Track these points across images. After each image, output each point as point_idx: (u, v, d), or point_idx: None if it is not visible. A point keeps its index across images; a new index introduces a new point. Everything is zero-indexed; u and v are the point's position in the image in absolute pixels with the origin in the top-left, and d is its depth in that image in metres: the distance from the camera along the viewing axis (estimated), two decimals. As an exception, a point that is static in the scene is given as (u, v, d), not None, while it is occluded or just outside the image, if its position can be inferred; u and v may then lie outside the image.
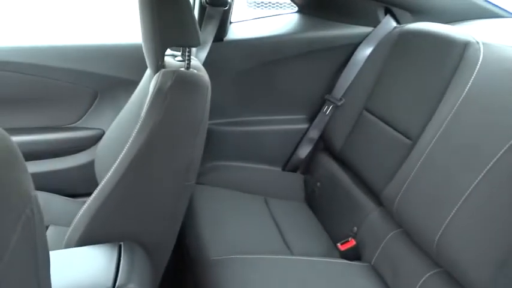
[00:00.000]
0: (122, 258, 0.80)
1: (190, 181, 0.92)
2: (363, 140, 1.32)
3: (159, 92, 0.87)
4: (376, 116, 1.29)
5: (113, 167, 0.89)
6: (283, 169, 1.56)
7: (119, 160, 0.89)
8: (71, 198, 1.36)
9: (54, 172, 1.42)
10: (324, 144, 1.53)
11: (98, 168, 1.22)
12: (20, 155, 0.44)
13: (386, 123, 1.23)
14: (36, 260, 0.45)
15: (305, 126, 1.54)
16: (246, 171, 1.51)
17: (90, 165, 1.36)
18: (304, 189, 1.52)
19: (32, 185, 0.46)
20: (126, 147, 0.88)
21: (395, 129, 1.19)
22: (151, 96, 0.89)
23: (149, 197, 0.89)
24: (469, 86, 1.00)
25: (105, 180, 0.89)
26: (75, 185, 1.43)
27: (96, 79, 1.40)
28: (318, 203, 1.42)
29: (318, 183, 1.44)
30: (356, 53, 1.45)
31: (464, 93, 1.00)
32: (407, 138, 1.13)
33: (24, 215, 0.42)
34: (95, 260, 0.80)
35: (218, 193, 1.38)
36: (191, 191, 0.94)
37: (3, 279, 0.36)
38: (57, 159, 1.43)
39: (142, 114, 0.89)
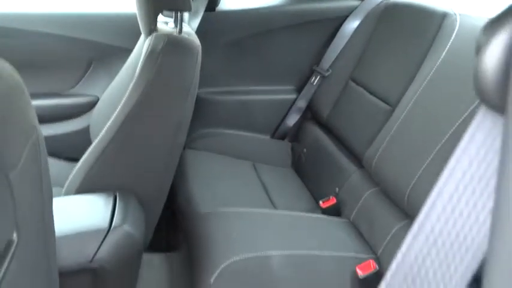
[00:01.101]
0: (117, 205, 0.87)
1: (180, 140, 0.99)
2: (348, 108, 1.39)
3: (151, 53, 0.93)
4: (361, 86, 1.36)
5: (108, 124, 0.95)
6: (272, 137, 1.63)
7: (113, 118, 0.95)
8: (67, 162, 1.42)
9: (49, 137, 1.47)
10: (311, 113, 1.60)
11: (93, 133, 1.28)
12: (25, 88, 0.50)
13: (370, 92, 1.30)
14: (41, 185, 0.52)
15: (293, 96, 1.60)
16: (235, 138, 1.58)
17: (86, 130, 1.41)
18: (291, 155, 1.59)
19: (36, 118, 0.52)
20: (119, 107, 0.94)
21: (378, 97, 1.26)
22: (143, 58, 0.94)
23: (142, 152, 0.96)
24: (443, 54, 1.07)
25: (101, 135, 0.96)
26: (71, 150, 1.49)
27: (90, 47, 1.44)
28: (304, 168, 1.50)
29: (305, 150, 1.51)
30: (344, 25, 1.51)
31: (439, 62, 1.07)
32: (388, 105, 1.20)
33: (31, 139, 0.49)
34: (92, 206, 0.87)
35: (208, 157, 1.45)
36: (181, 149, 1.01)
37: (18, 184, 0.42)
38: (52, 124, 1.48)
39: (135, 75, 0.95)
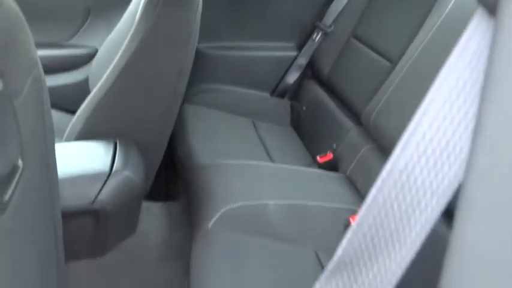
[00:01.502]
0: (117, 151, 0.88)
1: (180, 88, 0.99)
2: (349, 65, 1.38)
3: (150, 1, 0.91)
4: (363, 42, 1.34)
5: (107, 72, 0.95)
6: (271, 94, 1.62)
7: (112, 66, 0.94)
8: (66, 114, 1.42)
9: (48, 89, 1.47)
10: (311, 71, 1.59)
11: (92, 85, 1.27)
12: (25, 21, 0.50)
13: (372, 48, 1.29)
14: (43, 117, 0.53)
15: (294, 53, 1.59)
16: (235, 95, 1.58)
17: (85, 82, 1.41)
18: (291, 114, 1.60)
19: (36, 52, 0.52)
20: (118, 55, 0.94)
21: (379, 54, 1.25)
22: (143, 5, 0.93)
23: (141, 100, 0.96)
24: (447, 11, 1.06)
25: (100, 83, 0.95)
26: (70, 102, 1.49)
27: (88, -5, 1.41)
28: (303, 126, 1.51)
29: (304, 107, 1.51)
30: (348, -20, 1.47)
31: (442, 18, 1.06)
32: (389, 61, 1.20)
33: (33, 72, 0.49)
34: (92, 151, 0.89)
35: (208, 113, 1.45)
36: (181, 98, 1.01)
37: (21, 112, 0.43)
38: (50, 76, 1.47)
39: (135, 22, 0.93)
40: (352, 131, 1.25)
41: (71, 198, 0.79)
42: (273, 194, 0.99)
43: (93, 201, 0.81)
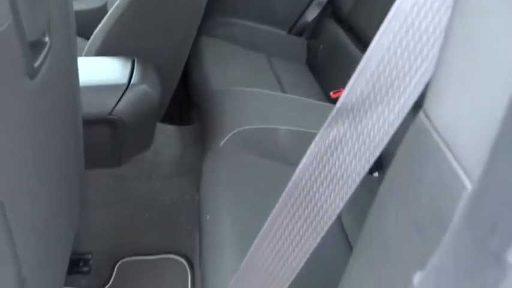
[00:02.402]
0: (135, 67, 0.91)
1: (199, 6, 0.99)
2: (371, 3, 1.35)
3: None
4: (387, -21, 1.30)
5: None
6: (289, 32, 1.61)
7: None
8: (83, 39, 1.43)
9: None
10: (331, 8, 1.55)
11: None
12: None
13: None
14: (66, 5, 0.54)
15: (315, -11, 1.55)
16: (252, 30, 1.56)
17: (103, 8, 1.41)
18: (307, 53, 1.59)
19: None
20: None
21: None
22: None
23: (160, 19, 0.97)
24: None
25: (117, 2, 0.96)
26: (89, 28, 1.50)
27: None
28: (318, 65, 1.50)
29: (321, 46, 1.50)
30: None
31: None
32: None
33: None
34: (111, 65, 0.91)
35: (224, 46, 1.45)
36: (200, 18, 1.02)
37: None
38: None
39: None
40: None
41: (90, 107, 0.83)
42: (284, 120, 1.01)
43: (111, 111, 0.84)
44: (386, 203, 0.32)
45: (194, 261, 0.99)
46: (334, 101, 1.26)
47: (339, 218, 0.88)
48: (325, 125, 0.34)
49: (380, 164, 0.45)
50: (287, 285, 0.43)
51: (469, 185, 0.20)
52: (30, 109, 0.43)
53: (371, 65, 0.29)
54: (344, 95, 0.32)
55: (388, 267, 0.28)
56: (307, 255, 0.42)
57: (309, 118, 1.07)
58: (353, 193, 0.38)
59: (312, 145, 0.38)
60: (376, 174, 0.90)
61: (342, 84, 1.30)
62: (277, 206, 0.41)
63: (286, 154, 0.95)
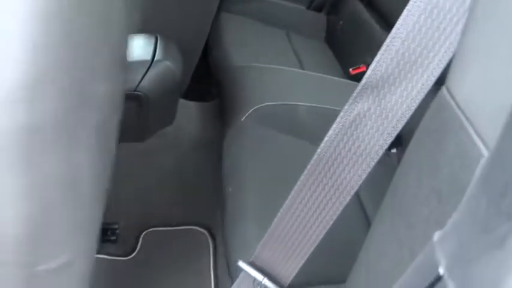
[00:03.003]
0: (158, 44, 0.92)
1: None
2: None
3: None
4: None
5: None
6: (308, 8, 1.59)
7: None
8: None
9: None
10: (352, -17, 1.53)
11: None
12: None
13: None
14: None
15: (335, -37, 1.53)
16: (270, 5, 1.55)
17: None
18: (326, 29, 1.58)
19: None
20: None
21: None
22: None
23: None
24: None
25: None
26: None
27: None
28: (338, 41, 1.49)
29: (341, 22, 1.49)
30: None
31: None
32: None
33: None
34: (135, 43, 0.93)
35: (243, 21, 1.45)
36: (217, 4, 1.02)
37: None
38: None
39: None
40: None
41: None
42: (304, 97, 1.02)
43: (136, 87, 0.87)
44: (408, 174, 0.34)
45: (216, 232, 1.03)
46: (353, 78, 1.26)
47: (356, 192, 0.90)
48: (350, 100, 0.36)
49: (398, 141, 0.46)
50: (308, 254, 0.46)
51: (486, 155, 0.22)
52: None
53: (396, 42, 0.30)
54: (369, 71, 0.33)
55: (409, 230, 0.30)
56: (328, 226, 0.44)
57: (328, 95, 1.08)
58: (372, 168, 0.40)
59: (338, 119, 0.40)
60: (394, 150, 0.92)
61: (362, 60, 1.30)
62: (302, 178, 0.44)
63: (306, 130, 0.97)
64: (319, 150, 0.42)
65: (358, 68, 1.25)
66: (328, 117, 1.00)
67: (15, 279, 0.40)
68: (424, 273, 0.19)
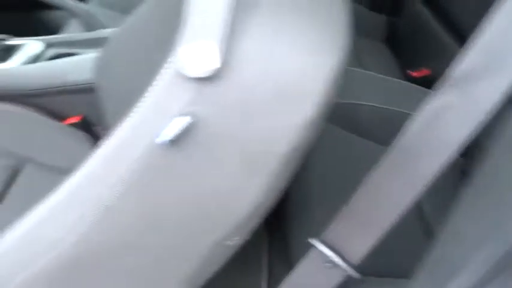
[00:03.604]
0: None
1: None
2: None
3: None
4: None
5: None
6: (368, 8, 1.60)
7: None
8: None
9: None
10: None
11: None
12: None
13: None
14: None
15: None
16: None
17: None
18: (387, 30, 1.57)
19: None
20: None
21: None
22: None
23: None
24: None
25: None
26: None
27: None
28: (398, 43, 1.49)
29: (402, 23, 1.48)
30: None
31: None
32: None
33: None
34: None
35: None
36: None
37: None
38: None
39: None
40: (454, 53, 1.21)
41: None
42: (365, 97, 1.04)
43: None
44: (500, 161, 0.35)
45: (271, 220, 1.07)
46: (413, 80, 1.25)
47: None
48: (435, 92, 0.38)
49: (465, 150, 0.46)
50: (380, 235, 0.48)
51: None
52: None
53: (483, 37, 0.32)
54: (455, 65, 0.35)
55: (498, 214, 0.32)
56: (401, 211, 0.46)
57: (390, 96, 1.09)
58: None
59: (420, 111, 0.42)
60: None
61: (423, 63, 1.29)
62: (380, 163, 0.46)
63: (369, 130, 0.99)
64: (399, 136, 0.43)
65: (419, 70, 1.24)
66: (392, 119, 1.01)
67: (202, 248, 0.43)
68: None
